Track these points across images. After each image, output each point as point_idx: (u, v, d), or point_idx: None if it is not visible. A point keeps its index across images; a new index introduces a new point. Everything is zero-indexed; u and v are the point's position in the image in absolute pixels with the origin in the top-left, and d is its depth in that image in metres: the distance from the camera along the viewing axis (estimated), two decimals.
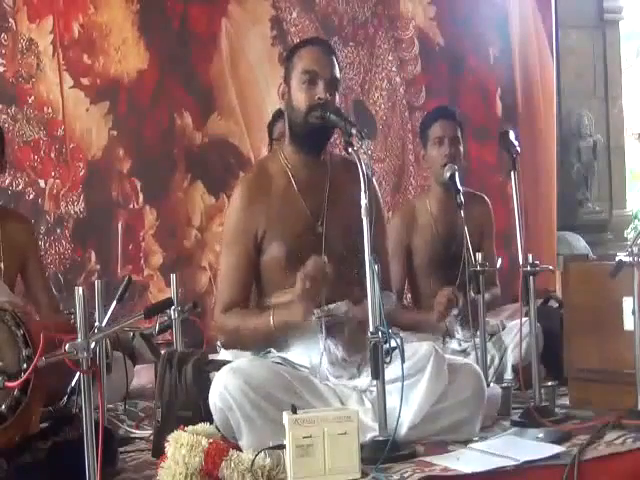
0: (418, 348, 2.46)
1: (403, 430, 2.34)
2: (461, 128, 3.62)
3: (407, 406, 2.32)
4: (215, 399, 2.29)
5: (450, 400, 2.44)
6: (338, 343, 2.49)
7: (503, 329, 3.45)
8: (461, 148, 3.57)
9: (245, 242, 2.56)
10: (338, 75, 2.60)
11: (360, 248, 2.30)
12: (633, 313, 2.55)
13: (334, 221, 2.55)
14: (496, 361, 3.35)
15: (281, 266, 2.56)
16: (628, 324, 2.68)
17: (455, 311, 3.31)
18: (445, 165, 3.47)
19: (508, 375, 3.27)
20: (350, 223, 2.33)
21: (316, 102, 2.51)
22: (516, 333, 3.23)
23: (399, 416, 2.25)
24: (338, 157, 2.73)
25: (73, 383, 2.29)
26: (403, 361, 2.24)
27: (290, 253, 2.54)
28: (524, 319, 2.82)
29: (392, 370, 2.33)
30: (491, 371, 3.28)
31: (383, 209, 2.86)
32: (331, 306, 2.52)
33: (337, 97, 2.59)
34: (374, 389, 2.34)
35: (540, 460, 2.18)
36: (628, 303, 2.66)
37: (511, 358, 3.30)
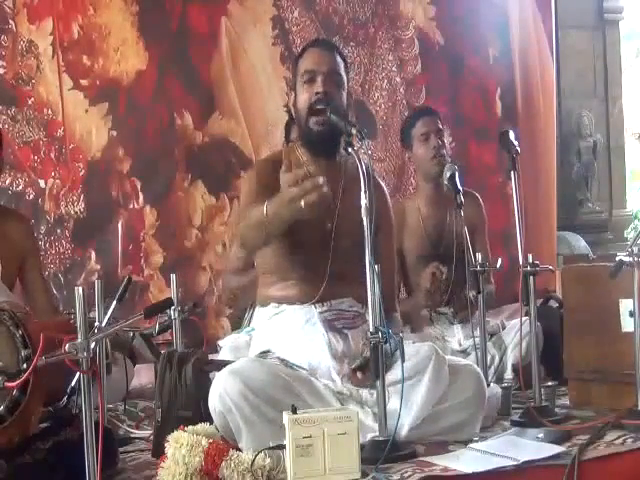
0: (419, 349, 2.46)
1: (404, 431, 2.34)
2: (441, 123, 3.65)
3: (408, 407, 2.32)
4: (214, 402, 2.28)
5: (451, 401, 2.44)
6: (339, 337, 2.49)
7: (503, 329, 3.45)
8: (446, 142, 3.61)
9: (264, 197, 2.49)
10: (340, 71, 2.61)
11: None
12: (630, 315, 2.55)
13: (344, 220, 2.57)
14: (496, 361, 3.35)
15: (285, 255, 2.57)
16: (625, 326, 2.68)
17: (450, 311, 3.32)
18: (434, 158, 3.52)
19: (508, 375, 3.28)
20: (360, 226, 2.34)
21: (315, 97, 2.52)
22: (516, 332, 3.24)
23: (399, 417, 2.25)
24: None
25: (73, 383, 2.29)
26: (403, 361, 2.25)
27: (296, 243, 2.55)
28: (524, 319, 2.82)
29: (393, 372, 2.33)
30: (491, 371, 3.28)
31: (393, 221, 2.84)
32: (334, 301, 2.54)
33: (343, 94, 2.60)
34: (374, 392, 2.34)
35: (540, 460, 2.18)
36: (625, 305, 2.66)
37: (511, 358, 3.31)
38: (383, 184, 2.86)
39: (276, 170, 2.62)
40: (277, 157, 2.72)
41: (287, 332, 2.53)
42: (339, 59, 2.63)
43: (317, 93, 2.53)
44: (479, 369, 2.61)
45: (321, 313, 2.53)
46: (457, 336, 3.46)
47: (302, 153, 2.65)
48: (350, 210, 2.51)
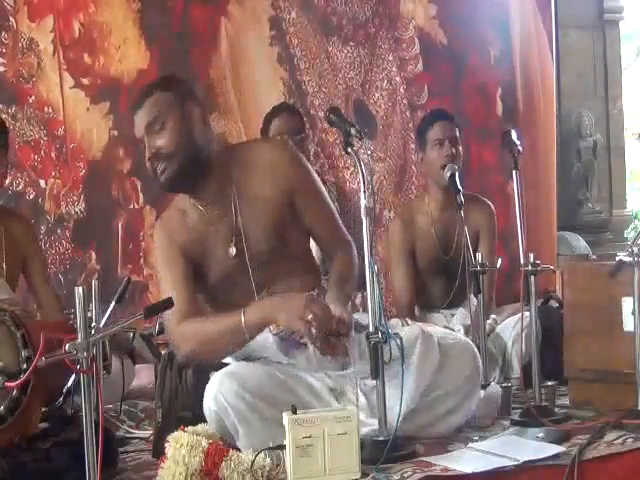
0: (405, 331, 2.40)
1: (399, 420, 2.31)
2: (459, 130, 3.63)
3: (397, 394, 2.28)
4: (210, 403, 2.27)
5: (445, 387, 2.43)
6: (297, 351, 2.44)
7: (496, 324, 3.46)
8: (460, 149, 3.58)
9: None
10: None
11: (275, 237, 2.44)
12: (632, 313, 2.55)
13: (249, 228, 2.51)
14: (499, 359, 3.35)
15: (211, 304, 2.59)
16: (628, 325, 2.68)
17: None
18: (445, 166, 3.47)
19: (515, 374, 3.27)
20: (262, 214, 2.44)
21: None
22: (514, 327, 3.26)
23: (398, 418, 2.24)
24: (237, 148, 2.73)
25: (69, 384, 2.29)
26: (403, 361, 2.23)
27: (211, 289, 2.57)
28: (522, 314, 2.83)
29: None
30: (497, 370, 3.29)
31: (316, 180, 2.66)
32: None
33: None
34: (368, 382, 2.33)
35: (540, 460, 2.18)
36: (628, 303, 2.66)
37: (514, 355, 3.31)
38: (293, 146, 2.78)
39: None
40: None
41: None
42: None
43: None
44: (472, 344, 2.59)
45: (275, 335, 2.41)
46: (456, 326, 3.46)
47: (192, 202, 2.57)
48: (250, 211, 2.49)
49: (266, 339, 2.39)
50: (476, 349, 2.55)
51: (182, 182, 2.48)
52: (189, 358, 2.44)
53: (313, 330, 2.21)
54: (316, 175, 2.67)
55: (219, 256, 2.52)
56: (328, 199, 2.68)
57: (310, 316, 2.21)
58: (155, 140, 2.44)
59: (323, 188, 2.67)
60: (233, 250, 2.49)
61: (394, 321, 2.56)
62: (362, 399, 2.39)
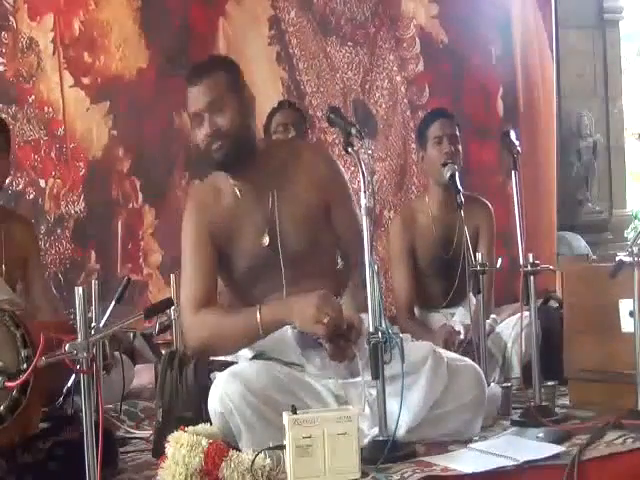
0: (416, 348, 2.43)
1: (402, 431, 2.32)
2: (459, 129, 3.63)
3: (405, 408, 2.30)
4: (215, 404, 2.26)
5: (451, 405, 2.42)
6: (313, 351, 2.44)
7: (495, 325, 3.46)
8: (460, 148, 3.57)
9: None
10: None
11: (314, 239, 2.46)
12: (630, 315, 2.55)
13: (284, 223, 2.51)
14: (499, 359, 3.35)
15: (238, 295, 2.58)
16: (625, 326, 2.68)
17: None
18: (445, 164, 3.47)
19: (516, 374, 3.27)
20: (301, 218, 2.46)
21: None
22: (514, 327, 3.25)
23: (398, 418, 2.24)
24: (280, 144, 2.71)
25: (69, 384, 2.29)
26: (403, 361, 2.23)
27: (242, 277, 2.55)
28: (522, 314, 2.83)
29: (388, 369, 2.31)
30: (497, 371, 3.29)
31: (349, 189, 2.69)
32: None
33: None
34: (374, 392, 2.33)
35: (540, 460, 2.17)
36: (625, 305, 2.66)
37: (515, 355, 3.31)
38: (335, 157, 2.79)
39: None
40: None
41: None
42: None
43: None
44: (479, 368, 2.60)
45: (294, 329, 2.42)
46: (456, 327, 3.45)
47: (231, 184, 2.56)
48: (286, 207, 2.50)
49: (285, 332, 2.40)
50: (483, 374, 2.54)
51: (232, 161, 2.48)
52: (198, 348, 2.44)
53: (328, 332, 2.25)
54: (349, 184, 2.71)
55: (249, 244, 2.52)
56: (357, 208, 2.67)
57: (326, 319, 2.23)
58: (216, 119, 2.44)
59: (354, 197, 2.68)
60: (266, 239, 2.50)
61: (404, 336, 2.55)
62: (367, 409, 2.37)
